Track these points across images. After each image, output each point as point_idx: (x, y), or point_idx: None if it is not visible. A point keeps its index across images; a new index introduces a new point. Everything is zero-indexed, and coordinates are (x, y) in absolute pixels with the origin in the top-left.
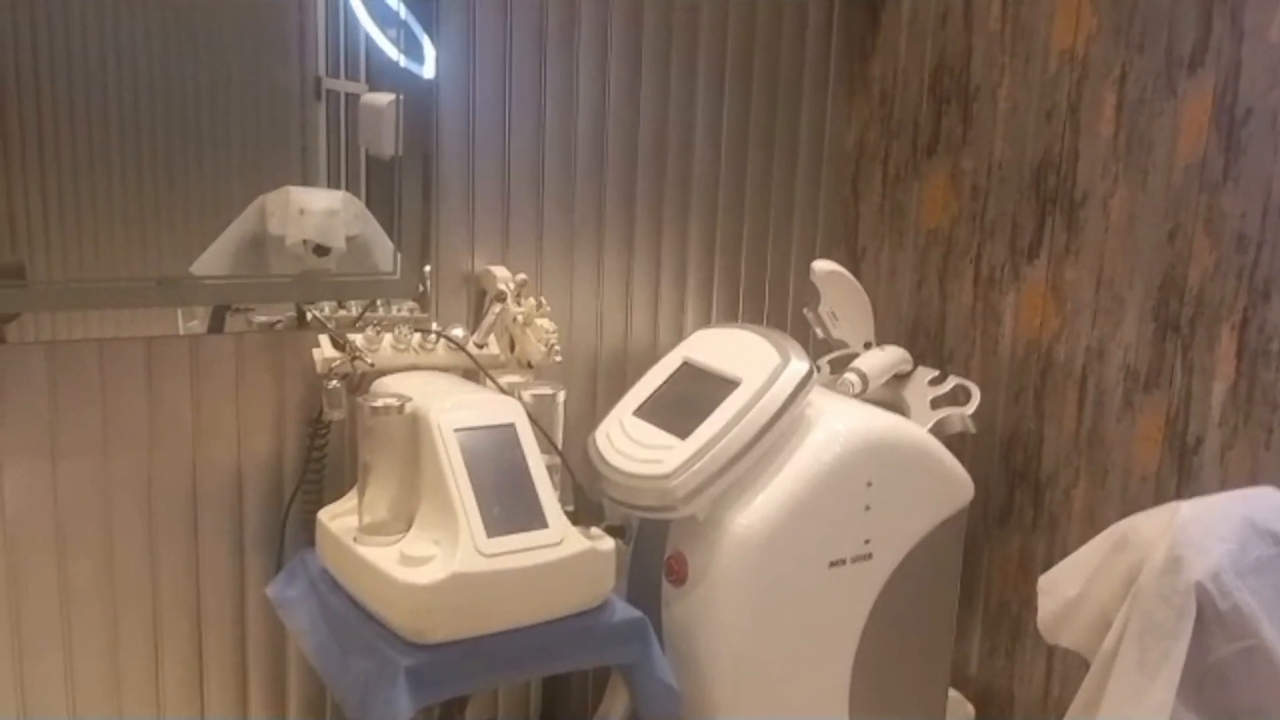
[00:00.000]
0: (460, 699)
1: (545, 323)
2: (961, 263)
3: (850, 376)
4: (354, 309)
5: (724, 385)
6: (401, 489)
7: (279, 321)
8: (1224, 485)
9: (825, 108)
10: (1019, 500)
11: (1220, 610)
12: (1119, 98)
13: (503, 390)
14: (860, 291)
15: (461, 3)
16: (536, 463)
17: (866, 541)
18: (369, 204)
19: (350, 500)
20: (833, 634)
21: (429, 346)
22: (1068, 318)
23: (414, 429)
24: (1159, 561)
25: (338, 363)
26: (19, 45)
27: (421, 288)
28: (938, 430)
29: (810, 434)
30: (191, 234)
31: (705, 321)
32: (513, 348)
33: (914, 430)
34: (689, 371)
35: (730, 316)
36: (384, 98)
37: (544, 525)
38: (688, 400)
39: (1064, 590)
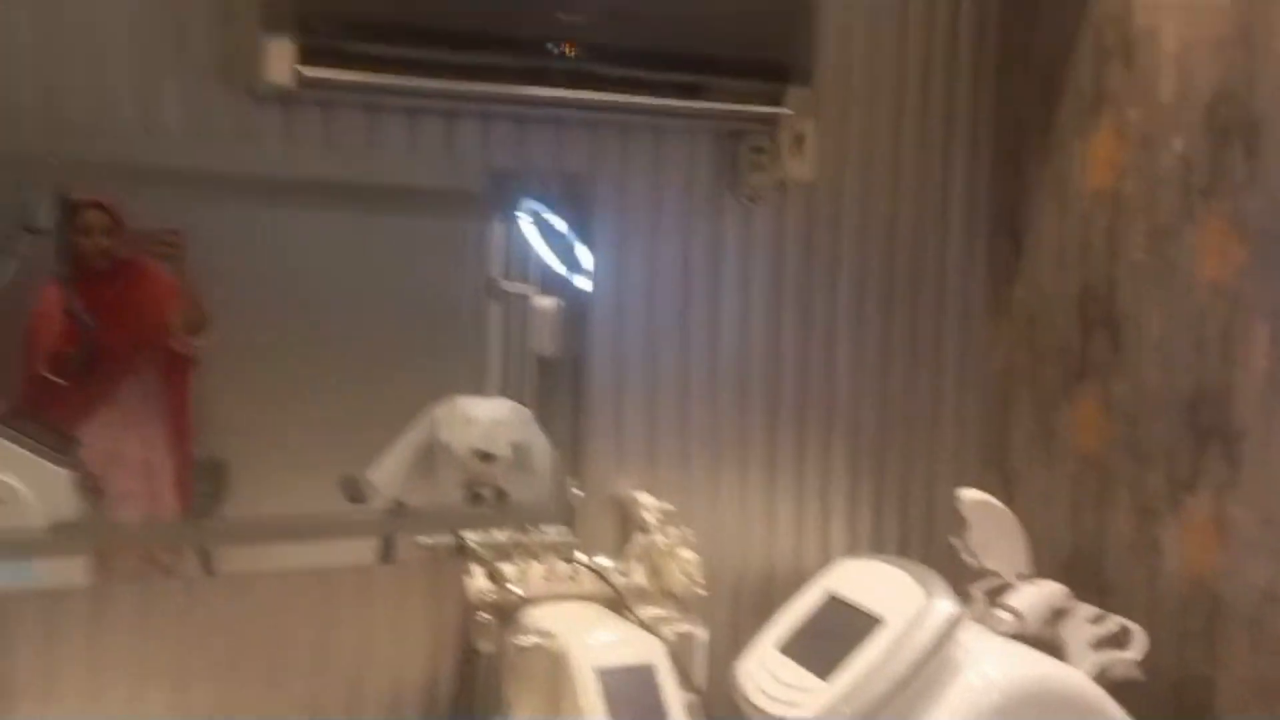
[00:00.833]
0: None
1: (688, 554)
2: (1118, 491)
3: (1004, 614)
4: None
5: (867, 622)
6: None
7: (438, 545)
8: None
9: (970, 330)
10: None
11: None
12: (1273, 331)
13: (644, 625)
14: (1012, 521)
15: (614, 223)
16: (675, 705)
17: None
18: (537, 404)
19: None
20: None
21: (576, 576)
22: (1234, 555)
23: (556, 666)
24: None
25: (488, 594)
26: (230, 257)
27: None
28: (1098, 675)
29: (960, 679)
30: (375, 435)
31: (852, 546)
32: (656, 577)
33: (1075, 678)
34: (832, 605)
35: (878, 541)
36: (548, 301)
37: None
38: (830, 637)
39: None
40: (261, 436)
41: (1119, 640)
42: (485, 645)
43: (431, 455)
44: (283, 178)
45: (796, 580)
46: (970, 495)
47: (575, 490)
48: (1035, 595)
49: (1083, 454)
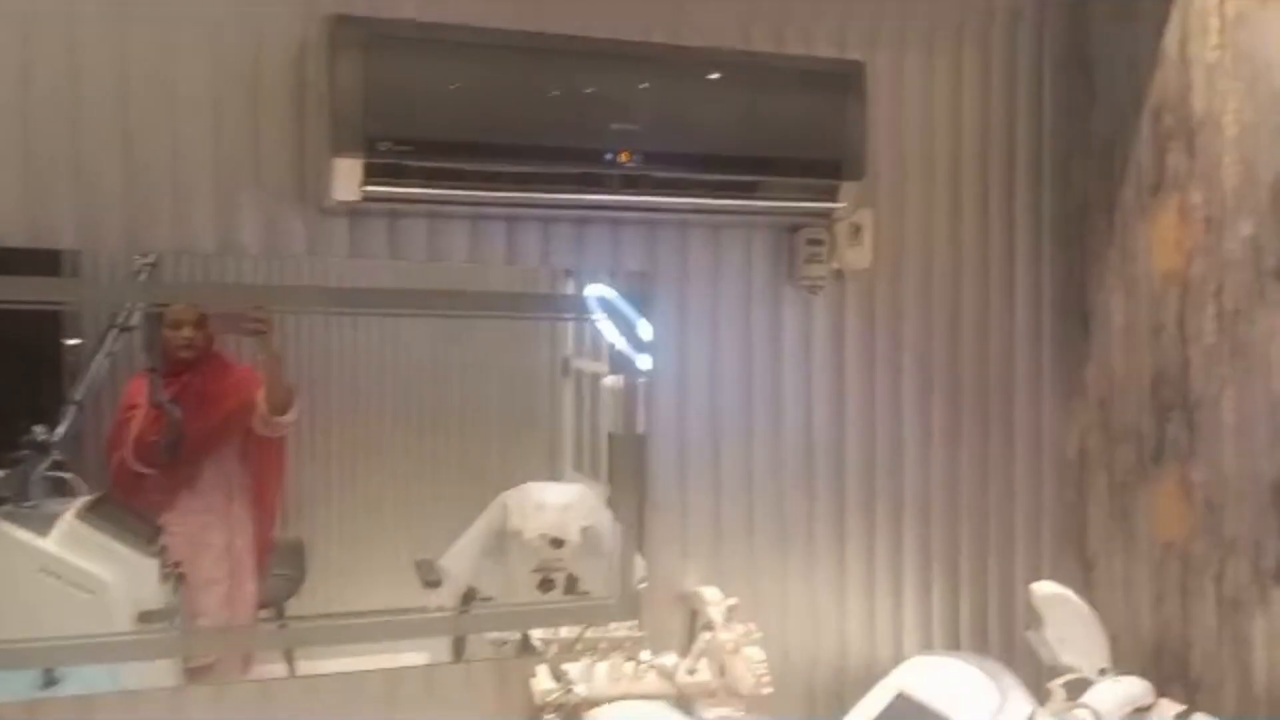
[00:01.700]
0: None
1: (754, 651)
2: (1202, 580)
3: (1081, 713)
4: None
5: None
6: None
7: (506, 643)
8: None
9: (1041, 415)
10: None
11: None
12: None
13: None
14: (1089, 615)
15: (675, 316)
16: None
17: None
18: (608, 481)
19: None
20: None
21: (641, 674)
22: None
23: None
24: None
25: (553, 695)
26: (310, 353)
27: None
28: None
29: None
30: (450, 515)
31: (926, 639)
32: (723, 674)
33: None
34: (903, 705)
35: (951, 633)
36: (617, 379)
37: None
38: None
39: None
40: (340, 520)
41: None
42: None
43: (503, 541)
44: (351, 286)
45: (868, 676)
46: (1044, 589)
47: (641, 584)
48: (1115, 692)
49: (1164, 541)
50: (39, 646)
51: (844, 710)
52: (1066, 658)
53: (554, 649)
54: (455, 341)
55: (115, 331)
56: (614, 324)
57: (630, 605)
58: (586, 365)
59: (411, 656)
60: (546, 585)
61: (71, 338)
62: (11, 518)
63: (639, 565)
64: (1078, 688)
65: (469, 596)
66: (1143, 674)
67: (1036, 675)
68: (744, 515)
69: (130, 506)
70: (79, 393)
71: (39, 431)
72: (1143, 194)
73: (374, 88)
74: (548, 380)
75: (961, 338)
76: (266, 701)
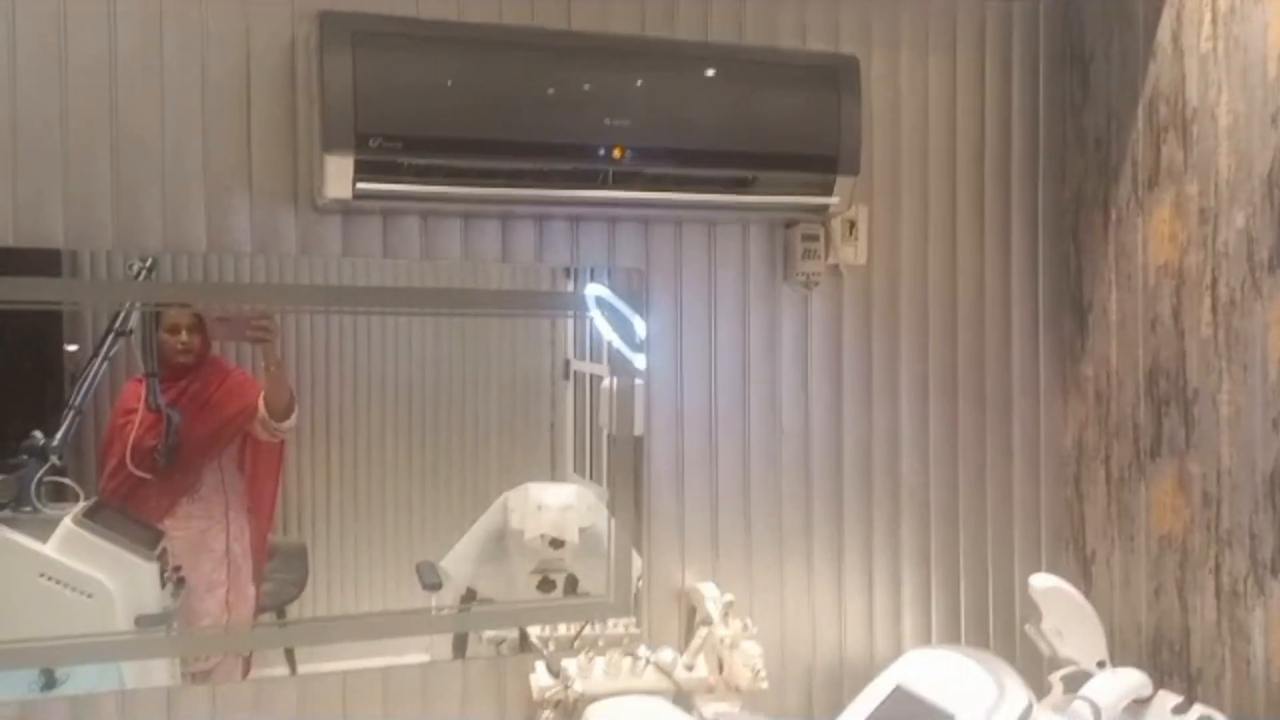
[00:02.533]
0: None
1: (751, 646)
2: (1200, 573)
3: (1080, 706)
4: (572, 626)
5: (936, 718)
6: None
7: (504, 640)
8: None
9: (1038, 409)
10: None
11: None
12: None
13: None
14: (1086, 608)
15: (671, 312)
16: None
17: None
18: (606, 482)
19: None
20: None
21: (639, 670)
22: None
23: None
24: None
25: (551, 691)
26: (308, 354)
27: (634, 605)
28: None
29: None
30: (451, 517)
31: (924, 634)
32: (721, 670)
33: None
34: (901, 699)
35: (951, 628)
36: (615, 381)
37: None
38: None
39: None
40: (341, 524)
41: None
42: None
43: (503, 541)
44: (346, 284)
45: (867, 671)
46: (1042, 582)
47: (639, 581)
48: (1114, 684)
49: (1161, 534)
50: (37, 646)
51: (842, 705)
52: (1065, 650)
53: (552, 646)
54: (456, 345)
55: (113, 336)
56: (610, 323)
57: (627, 602)
58: (587, 368)
59: (411, 656)
60: (547, 585)
61: (70, 343)
62: (10, 523)
63: (636, 564)
64: (1076, 680)
65: (469, 598)
66: (1141, 666)
67: (1036, 669)
68: (741, 513)
69: (130, 512)
70: (78, 398)
71: (38, 437)
72: (1138, 188)
73: (364, 84)
74: (548, 383)
75: (958, 333)
76: (266, 702)
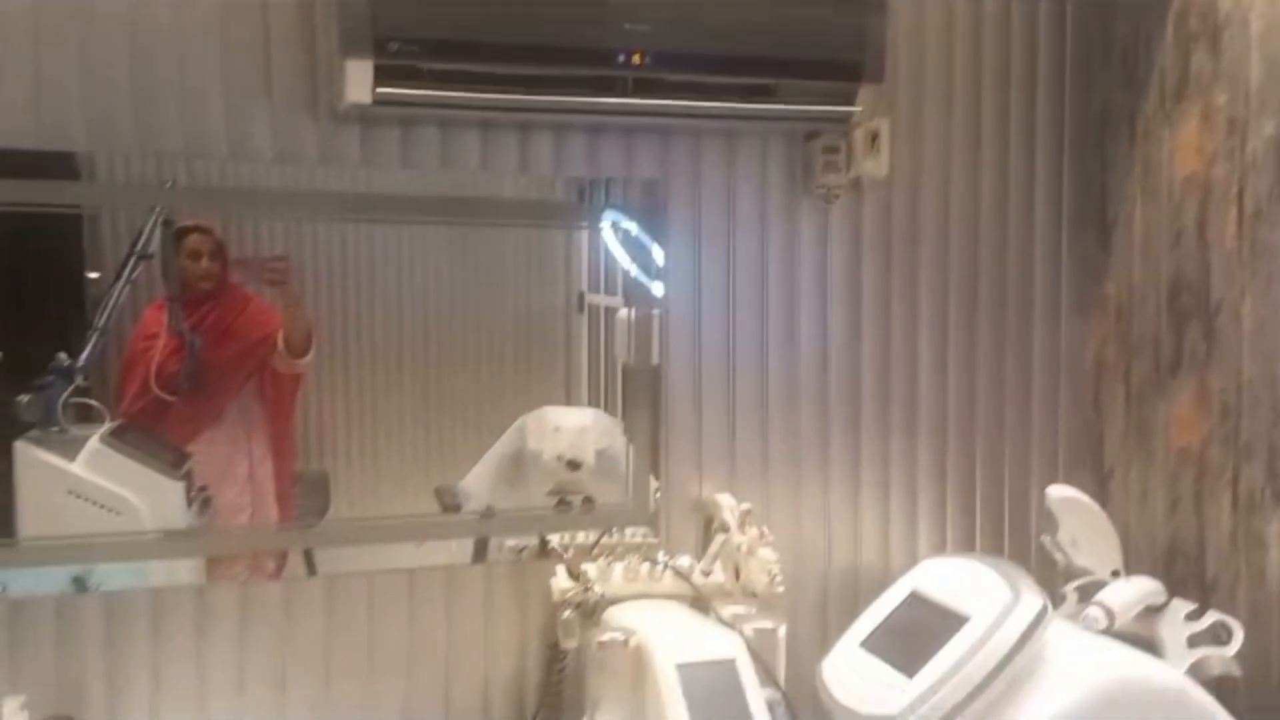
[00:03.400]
0: None
1: (768, 553)
2: (1217, 485)
3: (1094, 611)
4: (591, 534)
5: (952, 621)
6: (628, 718)
7: (524, 548)
8: None
9: (1059, 327)
10: None
11: None
12: None
13: (725, 623)
14: (1102, 517)
15: (689, 226)
16: (756, 699)
17: None
18: (622, 410)
19: None
20: None
21: (657, 575)
22: None
23: (638, 661)
24: None
25: (571, 593)
26: (331, 282)
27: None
28: (1195, 672)
29: (1050, 675)
30: (470, 443)
31: (940, 548)
32: (738, 576)
33: (1167, 673)
34: (916, 603)
35: (966, 542)
36: (630, 312)
37: None
38: (915, 635)
39: None
40: (362, 450)
41: (1217, 636)
42: (569, 642)
43: (521, 464)
44: (365, 193)
45: (883, 581)
46: (1059, 492)
47: (656, 494)
48: (1127, 591)
49: (1179, 449)
50: (69, 544)
51: (857, 612)
52: (1080, 560)
53: (571, 553)
54: (471, 279)
55: (134, 259)
56: (628, 250)
57: (645, 510)
58: (602, 300)
59: (435, 560)
60: (564, 508)
61: (92, 270)
62: (39, 442)
63: (654, 484)
64: (1091, 591)
65: (487, 516)
66: (1156, 578)
67: (1051, 583)
68: (758, 430)
69: (156, 434)
70: (101, 319)
71: (62, 358)
72: (1165, 99)
73: None
74: (563, 316)
75: (979, 250)
76: (293, 601)
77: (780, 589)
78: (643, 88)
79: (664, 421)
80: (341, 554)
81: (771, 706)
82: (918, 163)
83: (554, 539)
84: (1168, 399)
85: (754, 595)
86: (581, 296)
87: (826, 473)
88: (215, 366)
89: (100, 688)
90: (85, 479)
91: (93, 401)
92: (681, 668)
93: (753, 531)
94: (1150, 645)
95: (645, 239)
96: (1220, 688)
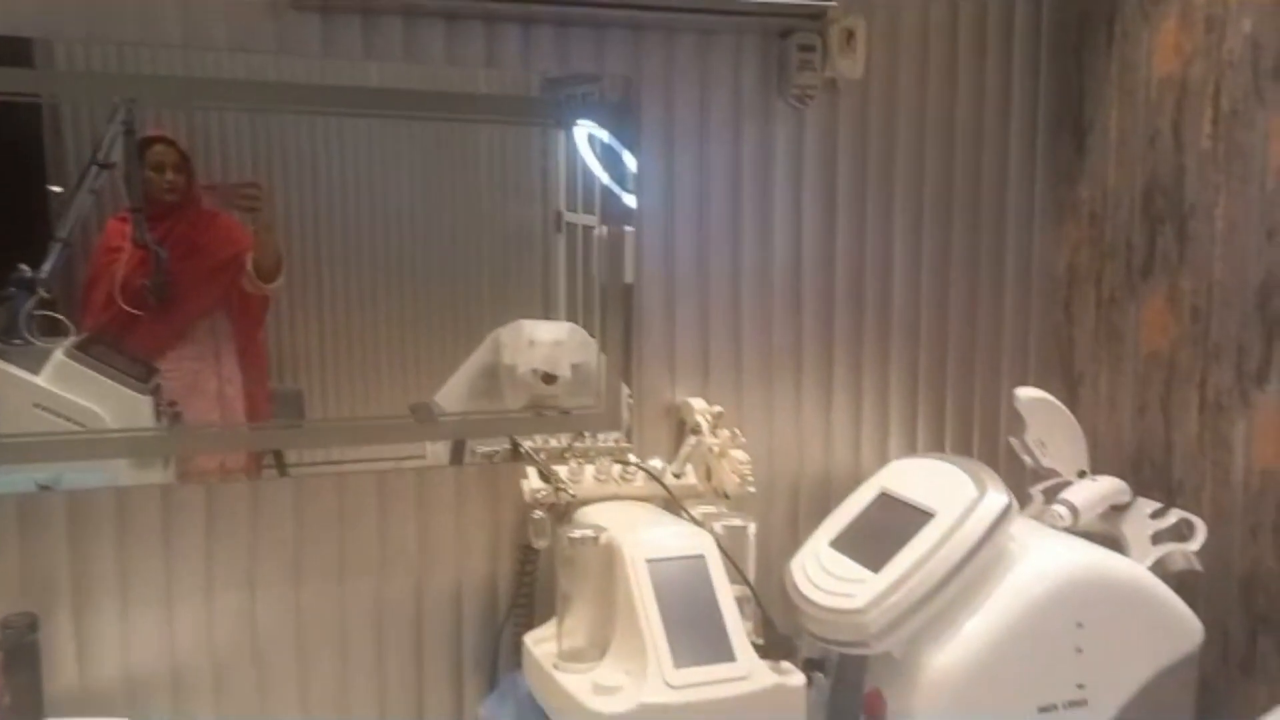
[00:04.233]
0: None
1: (739, 454)
2: (1186, 388)
3: (1059, 508)
4: (563, 439)
5: (919, 517)
6: (598, 616)
7: (496, 453)
8: None
9: (1032, 232)
10: (1263, 647)
11: None
12: None
13: (696, 521)
14: (1069, 418)
15: (661, 128)
16: (725, 595)
17: (1080, 686)
18: (598, 324)
19: (555, 625)
20: None
21: (629, 477)
22: None
23: (609, 559)
24: None
25: (543, 494)
26: (302, 192)
27: (624, 420)
28: (1158, 568)
29: (1014, 570)
30: (445, 361)
31: (910, 450)
32: (709, 478)
33: (1130, 567)
34: (885, 502)
35: (936, 445)
36: (606, 229)
37: (731, 658)
38: (882, 532)
39: None
40: (336, 368)
41: (1180, 533)
42: (540, 542)
43: (495, 378)
44: (331, 85)
45: (854, 483)
46: (1027, 393)
47: (630, 400)
48: (1092, 490)
49: (1149, 352)
50: (34, 441)
51: (828, 513)
52: (1047, 461)
53: (543, 456)
54: (449, 198)
55: (95, 168)
56: (600, 152)
57: (618, 415)
58: (579, 219)
59: (407, 461)
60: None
61: (55, 180)
62: (2, 355)
63: (626, 393)
64: (1057, 493)
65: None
66: (1126, 482)
67: (1020, 484)
68: (731, 338)
69: (124, 348)
70: (64, 230)
71: (24, 269)
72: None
73: None
74: (540, 236)
75: (955, 155)
76: (262, 499)
77: (751, 489)
78: None
79: (636, 334)
80: (313, 455)
81: (741, 602)
82: (893, 65)
83: (526, 443)
84: (1139, 303)
85: (725, 496)
86: (559, 215)
87: (799, 377)
88: (182, 281)
89: (66, 588)
90: (51, 392)
91: (58, 315)
92: (652, 563)
93: (724, 433)
94: (1115, 543)
95: (618, 147)
96: (1181, 583)
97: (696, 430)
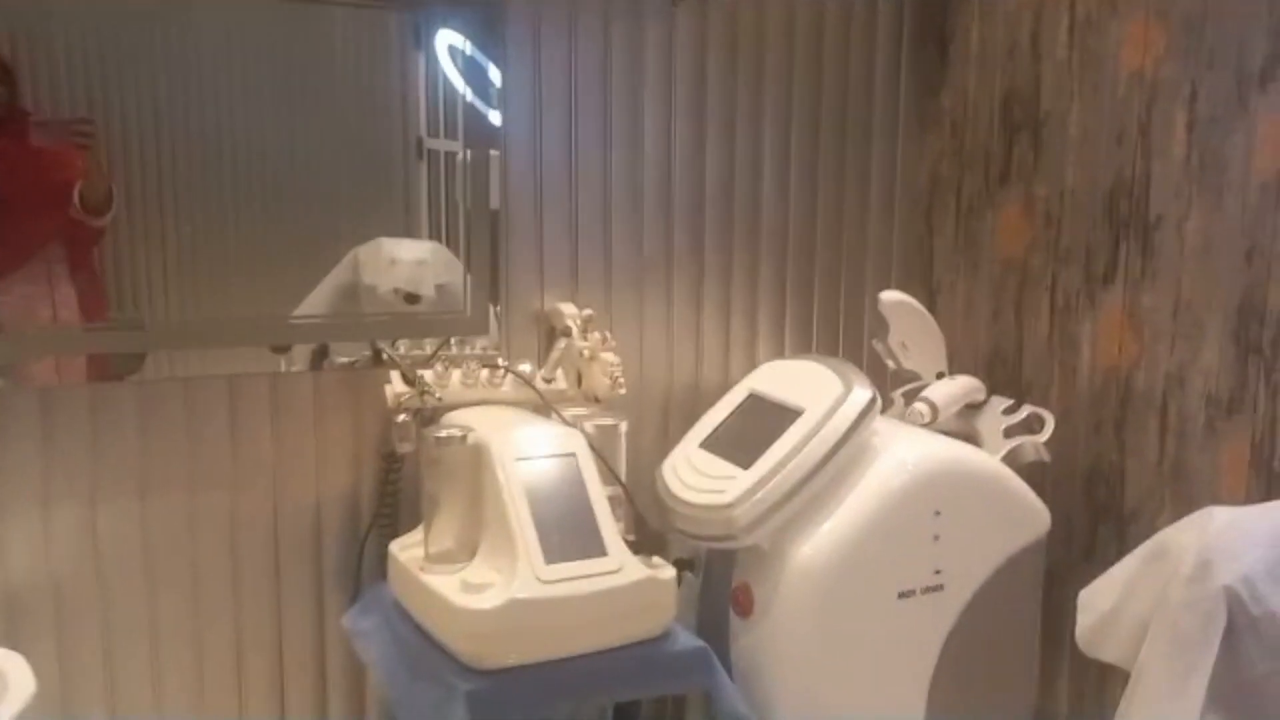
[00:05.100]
0: None
1: (610, 356)
2: (1037, 292)
3: (919, 406)
4: (429, 348)
5: (787, 415)
6: (466, 519)
7: (356, 361)
8: None
9: (896, 143)
10: (1103, 535)
11: (1253, 616)
12: (1190, 118)
13: (566, 422)
14: (930, 321)
15: (528, 49)
16: (597, 492)
17: (937, 572)
18: (469, 253)
19: (421, 532)
20: (905, 667)
21: (497, 382)
22: (1146, 345)
23: (477, 459)
24: (1188, 568)
25: (407, 397)
26: (142, 112)
27: (491, 324)
28: (1011, 459)
29: (876, 463)
30: (300, 283)
31: (778, 355)
32: (580, 382)
33: (983, 459)
34: (754, 403)
35: (804, 351)
36: (469, 153)
37: (603, 553)
38: (752, 431)
39: (1101, 604)
40: (182, 296)
41: (1031, 427)
42: (404, 447)
43: (355, 298)
44: None
45: (723, 388)
46: (890, 296)
47: (497, 310)
48: (950, 388)
49: (1004, 258)
50: None
51: (698, 415)
52: (909, 363)
53: (408, 362)
54: (300, 120)
55: None
56: (465, 68)
57: (483, 320)
58: (441, 145)
59: (260, 367)
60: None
61: None
62: None
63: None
64: (916, 392)
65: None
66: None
67: (882, 388)
68: (601, 245)
69: None
70: None
71: None
72: None
73: None
74: (401, 160)
75: (823, 63)
76: (101, 407)
77: (622, 391)
78: None
79: (504, 253)
80: (155, 359)
81: (613, 502)
82: None
83: (388, 349)
84: (995, 210)
85: (596, 400)
86: (420, 142)
87: (669, 283)
88: (9, 200)
89: None
90: None
91: None
92: (522, 462)
93: (595, 337)
94: (971, 439)
95: (483, 60)
96: (1031, 472)
97: (566, 334)
